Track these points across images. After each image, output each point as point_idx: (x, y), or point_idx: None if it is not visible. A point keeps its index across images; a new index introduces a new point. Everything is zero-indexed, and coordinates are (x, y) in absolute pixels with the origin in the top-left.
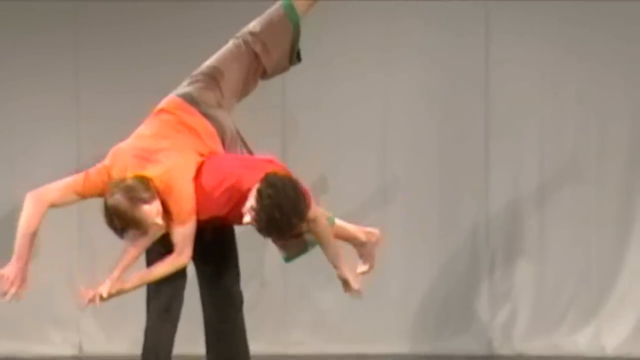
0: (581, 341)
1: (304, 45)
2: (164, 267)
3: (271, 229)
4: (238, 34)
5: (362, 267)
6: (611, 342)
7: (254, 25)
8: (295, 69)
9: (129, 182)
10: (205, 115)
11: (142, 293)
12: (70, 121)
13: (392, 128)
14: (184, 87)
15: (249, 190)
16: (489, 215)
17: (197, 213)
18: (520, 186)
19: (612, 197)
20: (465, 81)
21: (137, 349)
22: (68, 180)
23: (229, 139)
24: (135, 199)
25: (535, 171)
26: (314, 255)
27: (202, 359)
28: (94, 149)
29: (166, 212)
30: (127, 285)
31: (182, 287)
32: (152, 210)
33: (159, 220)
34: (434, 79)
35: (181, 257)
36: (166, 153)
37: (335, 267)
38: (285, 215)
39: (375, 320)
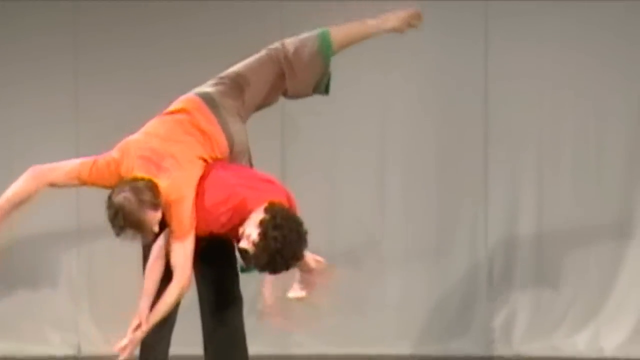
0: (580, 343)
1: None
2: (170, 297)
3: (266, 268)
4: (272, 46)
5: (299, 293)
6: (610, 344)
7: (288, 43)
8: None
9: (141, 184)
10: (221, 123)
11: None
12: (69, 124)
13: (391, 132)
14: (207, 87)
15: (250, 211)
16: (488, 217)
17: (196, 228)
18: (520, 189)
19: (612, 200)
20: (464, 86)
21: (135, 350)
22: (74, 163)
23: (236, 152)
24: (144, 202)
25: (534, 175)
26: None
27: (199, 359)
28: (93, 152)
29: (165, 224)
30: (146, 327)
31: None
32: (155, 217)
33: (156, 229)
34: (432, 83)
35: (183, 279)
36: (174, 161)
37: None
38: (285, 259)
39: (376, 321)
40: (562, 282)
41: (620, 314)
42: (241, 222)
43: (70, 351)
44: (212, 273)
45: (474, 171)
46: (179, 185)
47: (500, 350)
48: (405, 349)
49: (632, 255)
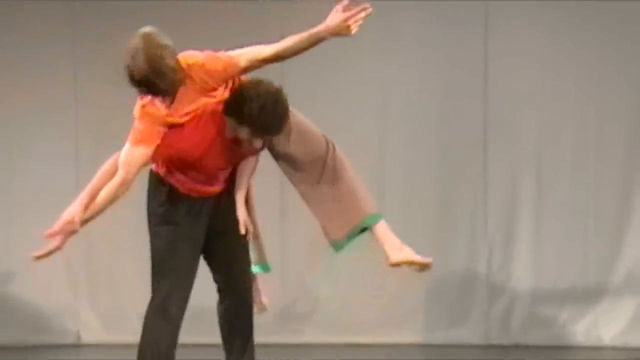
0: (578, 332)
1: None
2: (107, 192)
3: (275, 129)
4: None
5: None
6: (608, 333)
7: (345, 171)
8: (294, 58)
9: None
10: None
11: (141, 284)
12: (68, 110)
13: (391, 117)
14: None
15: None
16: (487, 206)
17: (166, 143)
18: (518, 177)
19: (610, 188)
20: (464, 71)
21: (135, 339)
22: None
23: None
24: (154, 48)
25: (533, 162)
26: (312, 244)
27: (197, 347)
28: (92, 139)
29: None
30: (78, 220)
31: (188, 285)
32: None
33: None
34: (433, 68)
35: (119, 178)
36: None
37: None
38: (267, 112)
39: (374, 310)
40: (560, 272)
41: (618, 303)
42: (209, 121)
43: (70, 340)
44: (234, 253)
45: (474, 160)
46: (174, 107)
47: (498, 339)
48: (404, 338)
49: (630, 245)
